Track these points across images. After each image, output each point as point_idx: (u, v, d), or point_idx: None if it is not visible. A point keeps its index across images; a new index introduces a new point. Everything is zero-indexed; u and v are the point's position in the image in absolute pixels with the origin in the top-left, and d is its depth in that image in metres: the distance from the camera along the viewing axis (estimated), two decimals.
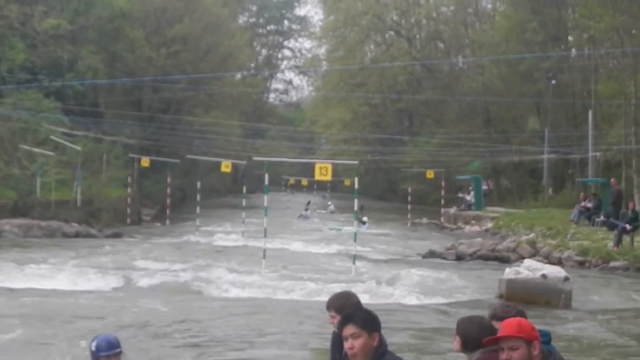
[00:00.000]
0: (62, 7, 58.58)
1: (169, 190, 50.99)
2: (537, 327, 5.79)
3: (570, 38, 63.45)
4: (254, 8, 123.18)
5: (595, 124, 50.80)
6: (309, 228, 50.18)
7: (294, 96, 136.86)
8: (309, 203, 69.49)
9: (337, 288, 17.31)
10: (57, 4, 58.56)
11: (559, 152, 55.46)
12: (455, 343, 6.49)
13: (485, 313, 6.78)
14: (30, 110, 49.26)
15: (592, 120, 50.15)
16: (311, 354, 14.35)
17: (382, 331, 5.90)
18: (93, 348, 7.42)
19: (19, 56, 53.66)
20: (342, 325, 6.00)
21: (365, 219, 48.89)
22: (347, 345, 5.92)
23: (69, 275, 23.33)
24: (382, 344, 5.97)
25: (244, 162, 49.89)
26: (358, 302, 7.21)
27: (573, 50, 60.93)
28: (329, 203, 72.90)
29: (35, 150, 44.69)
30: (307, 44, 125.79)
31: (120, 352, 7.51)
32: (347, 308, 6.95)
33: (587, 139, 49.98)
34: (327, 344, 7.42)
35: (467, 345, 6.35)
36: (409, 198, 57.65)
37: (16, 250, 29.90)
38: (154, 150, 58.85)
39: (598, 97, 52.11)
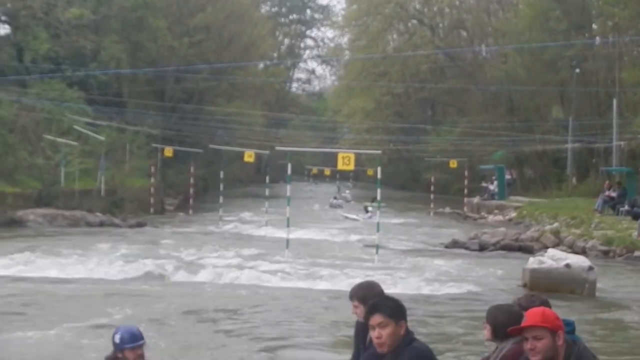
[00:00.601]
0: None
1: (192, 180, 51.10)
2: (561, 316, 5.77)
3: (594, 26, 63.02)
4: None
5: (619, 112, 50.49)
6: (332, 217, 50.12)
7: (316, 86, 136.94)
8: (338, 191, 69.64)
9: (360, 277, 17.33)
10: None
11: (583, 141, 55.16)
12: (486, 331, 6.49)
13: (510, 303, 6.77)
14: (53, 100, 49.48)
15: (616, 109, 49.84)
16: (335, 344, 14.35)
17: (409, 321, 5.91)
18: (117, 340, 7.45)
19: (43, 46, 53.87)
20: (368, 314, 6.02)
21: (370, 207, 49.06)
22: (374, 334, 5.94)
23: (119, 266, 23.42)
24: (408, 332, 5.98)
25: (267, 152, 49.93)
26: (381, 292, 7.21)
27: (597, 38, 60.58)
28: (343, 194, 72.13)
29: (59, 140, 44.89)
30: (329, 33, 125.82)
31: (144, 344, 7.53)
32: (370, 298, 6.96)
33: (612, 128, 49.69)
34: (351, 334, 7.43)
35: (497, 333, 6.36)
36: (432, 187, 57.55)
37: (54, 241, 29.90)
38: (176, 140, 58.99)
39: (622, 85, 51.79)
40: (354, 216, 49.97)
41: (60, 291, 19.25)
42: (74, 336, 14.32)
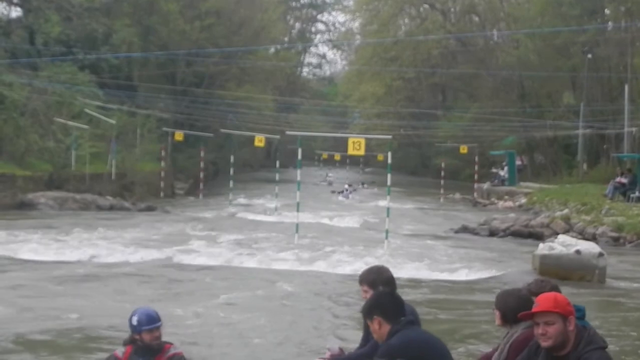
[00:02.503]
0: None
1: (202, 164, 51.18)
2: (571, 302, 5.76)
3: (606, 11, 62.77)
4: None
5: (631, 98, 50.34)
6: (343, 203, 50.16)
7: (327, 70, 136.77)
8: (350, 185, 69.96)
9: (370, 262, 17.33)
10: None
11: (594, 127, 55.03)
12: (496, 317, 6.50)
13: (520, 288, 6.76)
14: (65, 83, 49.55)
15: (628, 95, 49.68)
16: (345, 326, 14.35)
17: (417, 305, 5.94)
18: (134, 322, 7.52)
19: (54, 29, 53.88)
20: None
21: (346, 186, 50.49)
22: None
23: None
24: (393, 324, 6.13)
25: (277, 137, 49.95)
26: (390, 277, 7.24)
27: (609, 23, 60.36)
28: (328, 177, 74.29)
29: (70, 123, 44.96)
30: (340, 17, 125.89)
31: (161, 325, 7.59)
32: (378, 282, 7.02)
33: (623, 114, 49.54)
34: (360, 317, 7.41)
35: (507, 319, 6.37)
36: (442, 173, 57.50)
37: (70, 224, 30.01)
38: (187, 124, 59.04)
39: (635, 71, 51.64)
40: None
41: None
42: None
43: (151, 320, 7.54)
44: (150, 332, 7.50)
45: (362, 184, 73.02)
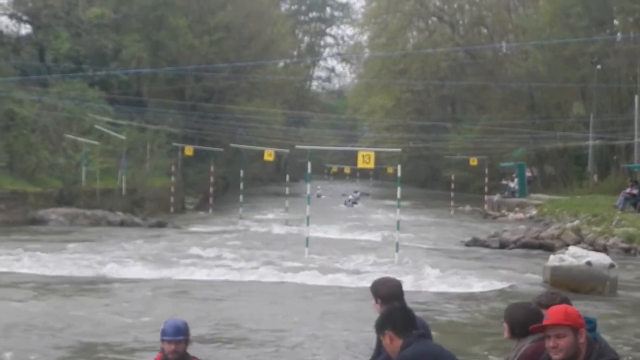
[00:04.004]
0: None
1: (212, 179, 51.20)
2: (582, 314, 5.76)
3: (615, 22, 62.76)
4: None
5: None
6: (352, 216, 50.13)
7: (336, 84, 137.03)
8: (357, 192, 70.40)
9: (380, 275, 17.31)
10: None
11: (604, 138, 54.93)
12: (505, 330, 6.49)
13: (530, 301, 6.75)
14: (75, 99, 49.73)
15: (638, 105, 49.58)
16: (358, 339, 14.34)
17: (427, 318, 5.96)
18: (161, 330, 7.56)
19: (64, 45, 54.15)
20: None
21: (350, 196, 57.23)
22: None
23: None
24: (405, 338, 6.13)
25: (287, 151, 50.00)
26: (399, 290, 7.26)
27: (618, 34, 60.29)
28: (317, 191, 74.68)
29: (80, 139, 45.11)
30: (349, 31, 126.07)
31: (184, 340, 7.53)
32: (388, 295, 7.07)
33: (633, 125, 49.44)
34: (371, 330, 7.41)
35: (515, 331, 6.36)
36: (452, 185, 57.49)
37: (88, 240, 30.11)
38: (197, 139, 59.13)
39: None
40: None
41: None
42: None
43: (174, 333, 7.50)
44: (168, 344, 7.47)
45: (356, 192, 73.53)
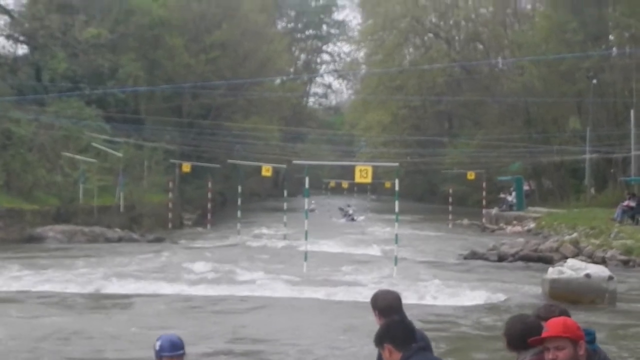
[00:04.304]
0: (103, 16, 59.20)
1: (209, 195, 51.18)
2: (582, 326, 5.76)
3: (611, 37, 62.94)
4: (292, 13, 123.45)
5: (637, 123, 50.34)
6: (350, 230, 50.13)
7: (333, 100, 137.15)
8: (349, 206, 70.34)
9: (379, 288, 17.31)
10: (98, 13, 59.19)
11: (601, 151, 55.03)
12: (504, 343, 6.50)
13: (529, 313, 6.76)
14: (72, 118, 49.77)
15: (634, 119, 49.72)
16: (356, 352, 14.35)
17: (427, 332, 5.97)
18: (157, 347, 7.52)
19: (61, 65, 54.26)
20: None
21: (350, 210, 58.04)
22: None
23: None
24: (405, 351, 6.11)
25: (284, 166, 50.08)
26: (398, 302, 7.27)
27: (614, 49, 60.45)
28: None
29: (78, 157, 45.15)
30: (345, 47, 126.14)
31: (183, 354, 7.57)
32: (386, 307, 7.09)
33: (630, 138, 49.55)
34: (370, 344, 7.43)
35: (513, 344, 6.35)
36: (450, 199, 57.46)
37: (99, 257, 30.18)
38: (194, 155, 59.16)
39: None
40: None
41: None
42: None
43: (173, 347, 7.50)
44: (170, 359, 7.48)
45: (348, 205, 73.68)
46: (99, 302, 20.32)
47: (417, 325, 6.55)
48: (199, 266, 27.53)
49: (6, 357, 13.84)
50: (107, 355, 14.27)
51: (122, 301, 20.46)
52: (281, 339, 15.75)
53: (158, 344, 7.53)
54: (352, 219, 61.12)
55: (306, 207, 28.99)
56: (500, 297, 21.25)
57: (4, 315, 17.98)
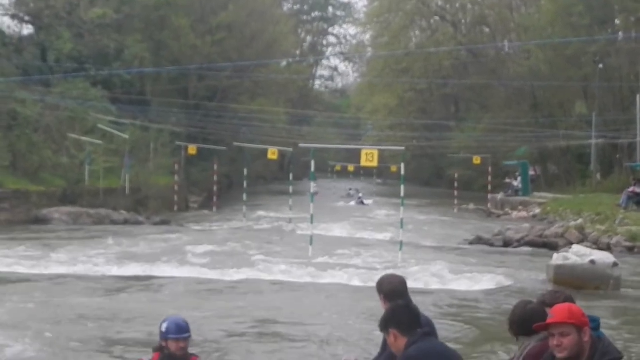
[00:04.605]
0: None
1: (215, 178, 51.20)
2: (586, 313, 5.77)
3: (617, 21, 62.67)
4: None
5: None
6: (355, 214, 50.16)
7: (339, 83, 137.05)
8: (351, 189, 70.79)
9: (384, 273, 17.32)
10: None
11: (607, 136, 54.89)
12: (508, 329, 6.52)
13: (533, 299, 6.77)
14: (77, 99, 49.75)
15: None
16: (360, 337, 14.37)
17: (432, 317, 5.98)
18: (163, 329, 7.59)
19: (66, 46, 54.19)
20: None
21: (360, 194, 59.29)
22: None
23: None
24: (410, 336, 6.11)
25: (290, 149, 50.01)
26: (404, 286, 7.30)
27: (620, 33, 60.15)
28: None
29: (84, 139, 45.17)
30: (351, 30, 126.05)
31: (189, 337, 7.62)
32: (391, 292, 7.11)
33: (636, 123, 49.43)
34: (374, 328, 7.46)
35: (514, 330, 6.38)
36: (456, 184, 57.45)
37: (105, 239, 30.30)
38: (200, 138, 59.14)
39: None
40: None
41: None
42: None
43: (179, 330, 7.58)
44: (176, 342, 7.52)
45: (350, 189, 73.95)
46: (115, 284, 20.31)
47: (421, 310, 6.55)
48: (206, 249, 27.59)
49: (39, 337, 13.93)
50: (136, 335, 14.32)
51: (139, 283, 20.51)
52: (300, 321, 15.84)
53: (165, 325, 7.58)
54: (362, 202, 61.15)
55: (312, 190, 28.99)
56: (504, 282, 21.21)
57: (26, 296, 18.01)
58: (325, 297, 19.02)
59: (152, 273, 22.16)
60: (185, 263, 23.98)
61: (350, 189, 72.88)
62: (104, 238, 30.38)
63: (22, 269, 22.24)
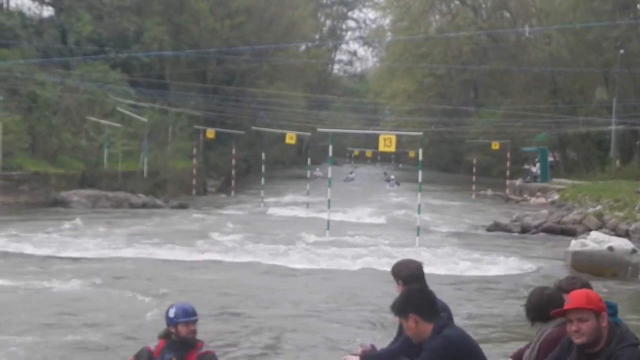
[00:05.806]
0: None
1: (233, 162, 51.28)
2: (603, 299, 5.74)
3: (639, 6, 62.24)
4: None
5: None
6: (372, 199, 50.14)
7: (358, 67, 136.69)
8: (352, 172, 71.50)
9: (401, 258, 17.30)
10: None
11: (627, 123, 54.62)
12: (525, 315, 6.51)
13: (550, 285, 6.75)
14: (97, 81, 49.85)
15: None
16: (376, 323, 14.36)
17: (450, 303, 5.93)
18: (171, 315, 7.67)
19: (86, 28, 54.29)
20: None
21: (392, 176, 60.78)
22: None
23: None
24: (436, 320, 6.01)
25: (309, 134, 49.99)
26: (420, 271, 7.26)
27: None
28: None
29: (103, 121, 45.29)
30: (371, 14, 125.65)
31: (197, 320, 7.71)
32: (408, 276, 7.07)
33: None
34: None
35: (532, 316, 6.36)
36: (474, 170, 57.31)
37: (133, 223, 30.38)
38: (218, 121, 59.21)
39: None
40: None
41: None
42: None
43: (188, 314, 7.67)
44: (186, 325, 7.62)
45: (351, 172, 74.65)
46: (145, 268, 20.34)
47: (438, 296, 6.50)
48: (226, 233, 27.60)
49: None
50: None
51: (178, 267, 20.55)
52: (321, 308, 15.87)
53: (172, 311, 7.67)
54: (396, 184, 62.99)
55: (329, 175, 28.95)
56: (522, 269, 21.14)
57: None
58: (341, 282, 19.00)
59: (176, 257, 22.16)
60: (207, 249, 23.91)
61: (385, 173, 73.81)
62: (124, 222, 30.42)
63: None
